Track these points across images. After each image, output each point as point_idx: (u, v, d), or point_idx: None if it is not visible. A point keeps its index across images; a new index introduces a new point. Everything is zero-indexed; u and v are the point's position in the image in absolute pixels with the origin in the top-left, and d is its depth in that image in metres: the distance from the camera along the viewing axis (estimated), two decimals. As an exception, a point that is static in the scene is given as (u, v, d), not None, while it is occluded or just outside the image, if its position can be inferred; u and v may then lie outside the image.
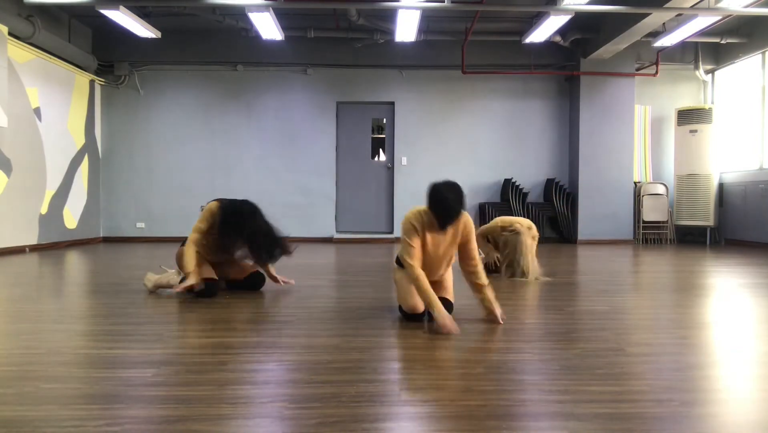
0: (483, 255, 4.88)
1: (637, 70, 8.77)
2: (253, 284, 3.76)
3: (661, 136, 9.11)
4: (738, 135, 8.48)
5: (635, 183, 8.79)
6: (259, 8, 6.27)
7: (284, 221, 8.78)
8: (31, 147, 6.98)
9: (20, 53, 6.73)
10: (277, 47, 8.56)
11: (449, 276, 3.10)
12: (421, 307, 2.85)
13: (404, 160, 8.78)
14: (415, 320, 2.88)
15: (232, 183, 8.63)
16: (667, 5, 6.18)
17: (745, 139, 8.33)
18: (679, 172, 8.68)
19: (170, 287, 3.74)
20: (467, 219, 2.90)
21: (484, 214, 8.55)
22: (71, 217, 7.89)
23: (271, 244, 3.58)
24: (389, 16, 7.73)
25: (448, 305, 2.95)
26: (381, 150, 9.13)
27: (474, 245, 2.94)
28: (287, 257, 3.74)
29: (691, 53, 8.95)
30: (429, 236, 2.85)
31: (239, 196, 3.83)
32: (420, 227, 2.83)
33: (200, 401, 1.75)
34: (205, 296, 3.54)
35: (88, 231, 8.32)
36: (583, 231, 8.61)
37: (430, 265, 2.91)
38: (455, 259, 3.01)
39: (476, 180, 8.64)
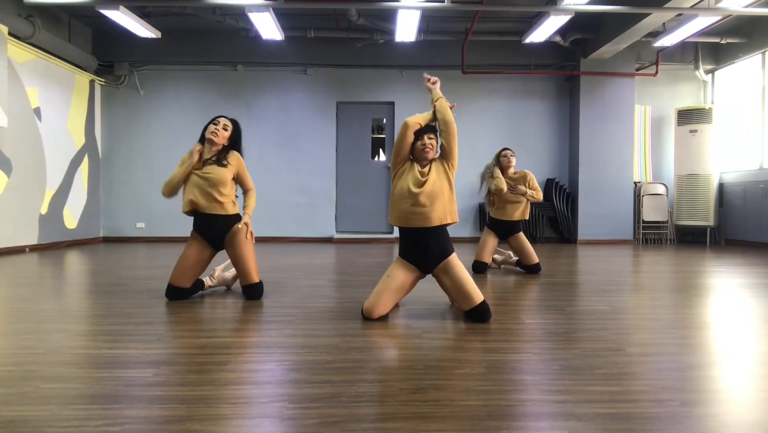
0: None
1: (637, 70, 8.77)
2: (250, 293, 3.61)
3: (661, 136, 9.11)
4: (738, 135, 8.48)
5: (635, 183, 8.79)
6: (259, 8, 6.27)
7: (284, 221, 8.90)
8: (31, 147, 6.98)
9: (20, 53, 6.73)
10: (277, 47, 8.56)
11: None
12: (374, 313, 2.94)
13: (404, 160, 8.78)
14: (369, 319, 2.96)
15: (232, 183, 8.63)
16: (667, 5, 6.18)
17: (745, 139, 8.33)
18: (679, 172, 8.68)
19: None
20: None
21: (483, 214, 8.54)
22: (71, 217, 7.89)
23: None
24: (389, 16, 7.73)
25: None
26: (381, 150, 9.13)
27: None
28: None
29: (691, 53, 8.96)
30: (413, 175, 3.01)
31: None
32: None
33: (200, 401, 1.75)
34: (167, 297, 3.55)
35: (88, 231, 8.32)
36: (583, 231, 8.62)
37: (425, 208, 2.98)
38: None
39: (476, 180, 8.63)
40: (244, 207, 3.69)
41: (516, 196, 4.91)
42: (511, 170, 4.98)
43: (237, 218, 3.65)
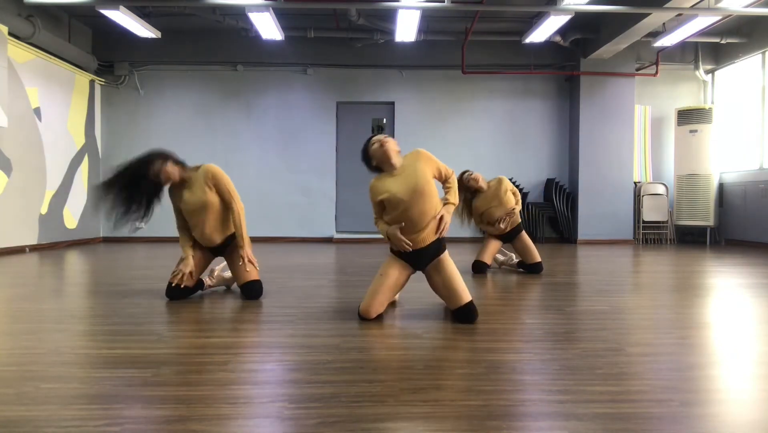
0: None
1: (637, 70, 8.77)
2: (249, 291, 3.58)
3: (661, 136, 9.12)
4: (738, 135, 8.48)
5: (635, 183, 8.79)
6: (259, 8, 6.27)
7: (284, 221, 8.91)
8: (31, 147, 6.98)
9: (20, 53, 6.73)
10: (277, 47, 8.56)
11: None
12: (371, 313, 2.94)
13: (404, 160, 8.78)
14: (366, 320, 2.95)
15: (232, 183, 8.64)
16: (667, 5, 6.18)
17: (745, 139, 8.33)
18: (679, 172, 8.68)
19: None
20: (419, 151, 3.02)
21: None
22: (71, 217, 7.89)
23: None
24: (389, 16, 7.73)
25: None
26: (381, 150, 9.12)
27: (441, 165, 3.03)
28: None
29: (691, 53, 8.96)
30: (390, 182, 2.93)
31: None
32: (376, 189, 2.97)
33: (200, 401, 1.75)
34: (167, 296, 3.55)
35: (88, 231, 8.32)
36: (583, 231, 8.62)
37: (416, 208, 2.90)
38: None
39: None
40: (236, 236, 3.52)
41: (502, 210, 4.83)
42: (483, 185, 4.86)
43: (234, 236, 3.62)
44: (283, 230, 8.78)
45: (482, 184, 4.86)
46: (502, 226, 4.83)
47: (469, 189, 4.91)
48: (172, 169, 3.41)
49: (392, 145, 2.96)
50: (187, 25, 8.32)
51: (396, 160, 2.97)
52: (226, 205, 3.52)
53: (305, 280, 4.49)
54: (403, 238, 2.88)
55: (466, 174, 4.89)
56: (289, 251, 7.18)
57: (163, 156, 3.41)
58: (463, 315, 2.90)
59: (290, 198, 8.79)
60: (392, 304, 3.39)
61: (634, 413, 1.67)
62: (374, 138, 2.97)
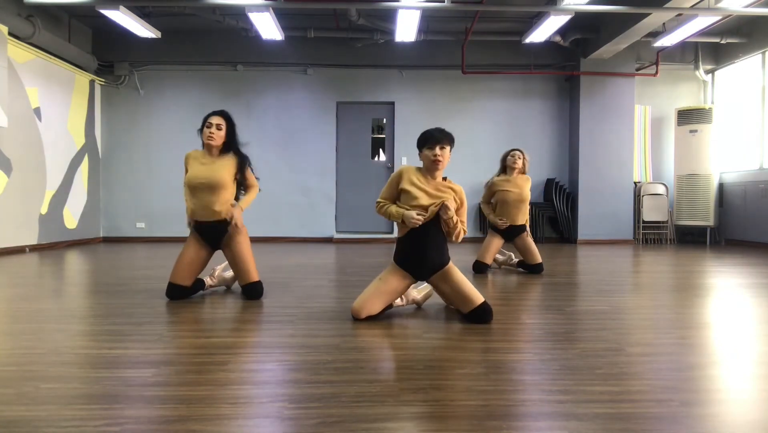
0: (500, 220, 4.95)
1: (637, 70, 8.77)
2: (250, 292, 3.60)
3: (661, 136, 9.12)
4: (738, 135, 8.48)
5: (635, 183, 8.79)
6: (259, 8, 6.27)
7: (284, 221, 8.90)
8: (31, 147, 6.98)
9: (20, 53, 6.73)
10: (277, 47, 8.56)
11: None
12: (362, 313, 2.93)
13: (404, 160, 8.78)
14: (358, 320, 2.95)
15: (232, 183, 8.63)
16: (667, 5, 6.18)
17: (745, 139, 8.33)
18: (679, 172, 8.68)
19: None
20: (461, 189, 3.07)
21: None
22: (71, 217, 7.89)
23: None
24: (389, 16, 7.73)
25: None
26: (381, 150, 9.13)
27: (462, 214, 3.05)
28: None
29: (691, 53, 8.96)
30: (421, 186, 2.97)
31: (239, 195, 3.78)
32: (406, 177, 3.00)
33: (200, 401, 1.75)
34: (167, 296, 3.54)
35: (88, 231, 8.32)
36: (583, 231, 8.62)
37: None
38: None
39: (476, 180, 8.62)
40: (239, 200, 3.64)
41: (517, 203, 4.86)
42: (516, 172, 4.89)
43: (226, 223, 3.63)
44: (283, 230, 8.78)
45: (517, 169, 4.89)
46: (501, 221, 4.89)
47: (502, 166, 4.97)
48: (217, 135, 3.54)
49: (446, 162, 3.01)
50: (187, 25, 8.32)
51: (439, 174, 3.03)
52: (246, 187, 3.66)
53: (305, 280, 4.49)
54: (415, 217, 2.88)
55: (516, 152, 4.91)
56: (289, 251, 7.18)
57: (230, 124, 3.61)
58: (477, 316, 2.90)
59: (290, 198, 8.79)
60: (418, 306, 3.36)
61: (634, 413, 1.67)
62: (436, 144, 2.97)
